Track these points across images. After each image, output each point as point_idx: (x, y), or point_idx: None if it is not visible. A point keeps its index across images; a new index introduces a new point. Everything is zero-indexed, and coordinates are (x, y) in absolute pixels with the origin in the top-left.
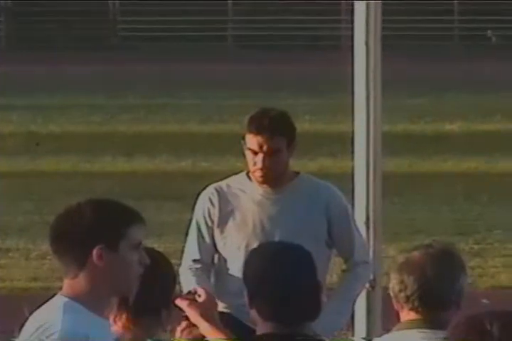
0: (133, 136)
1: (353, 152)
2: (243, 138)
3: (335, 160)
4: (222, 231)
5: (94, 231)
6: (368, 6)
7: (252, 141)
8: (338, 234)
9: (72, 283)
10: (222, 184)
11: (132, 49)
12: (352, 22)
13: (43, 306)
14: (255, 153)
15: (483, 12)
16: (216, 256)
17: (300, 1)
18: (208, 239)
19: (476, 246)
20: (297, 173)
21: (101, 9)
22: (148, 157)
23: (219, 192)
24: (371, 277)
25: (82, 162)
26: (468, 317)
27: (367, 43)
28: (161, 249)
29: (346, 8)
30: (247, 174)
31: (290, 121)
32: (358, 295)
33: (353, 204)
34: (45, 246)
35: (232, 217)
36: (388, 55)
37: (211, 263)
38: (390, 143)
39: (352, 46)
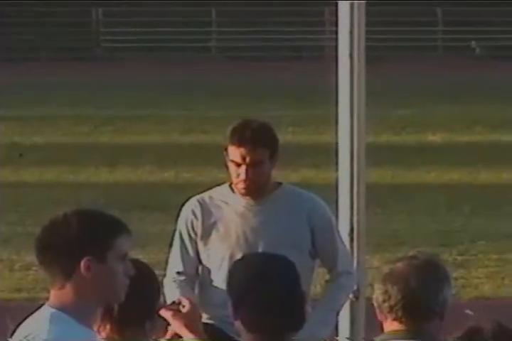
0: (116, 147)
1: (337, 163)
2: (225, 149)
3: (318, 171)
4: (205, 243)
5: (81, 243)
6: (351, 16)
7: (234, 152)
8: (321, 245)
9: (59, 293)
10: (205, 196)
11: (115, 60)
12: (336, 33)
13: (31, 316)
14: (238, 165)
15: (467, 23)
16: (200, 268)
17: (285, 11)
18: (191, 251)
19: (459, 257)
20: (280, 184)
21: (84, 20)
22: (132, 167)
23: (201, 204)
24: (355, 287)
25: (66, 173)
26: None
27: (351, 55)
28: (145, 260)
29: (330, 18)
30: (230, 186)
31: (272, 132)
32: (342, 305)
33: (337, 216)
34: (30, 257)
35: (215, 229)
36: (372, 66)
37: (195, 275)
38: (374, 154)
39: (336, 57)
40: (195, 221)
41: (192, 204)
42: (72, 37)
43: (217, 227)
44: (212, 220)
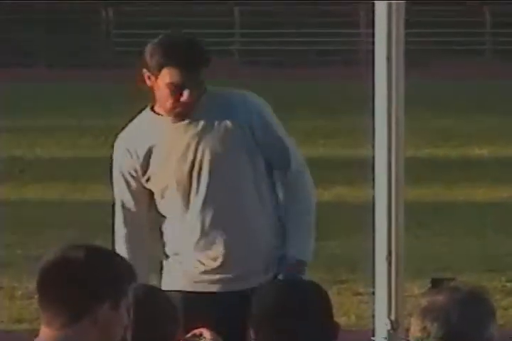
0: None
1: (373, 179)
2: (147, 68)
3: (352, 188)
4: (149, 177)
5: (100, 287)
6: (389, 17)
7: (172, 75)
8: (265, 142)
9: (57, 334)
10: (129, 131)
11: (127, 65)
12: (372, 35)
13: None
14: (175, 88)
15: None
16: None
17: (314, 12)
18: (135, 192)
19: (508, 284)
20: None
21: (93, 20)
22: None
23: (129, 139)
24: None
25: (71, 190)
26: None
27: (389, 59)
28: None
29: (364, 21)
30: (152, 109)
31: (205, 48)
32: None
33: (373, 237)
34: (31, 285)
35: (152, 159)
36: (411, 71)
37: (145, 217)
38: (414, 170)
39: (372, 61)
40: (127, 161)
41: (117, 145)
42: (79, 39)
43: (151, 157)
44: (143, 153)
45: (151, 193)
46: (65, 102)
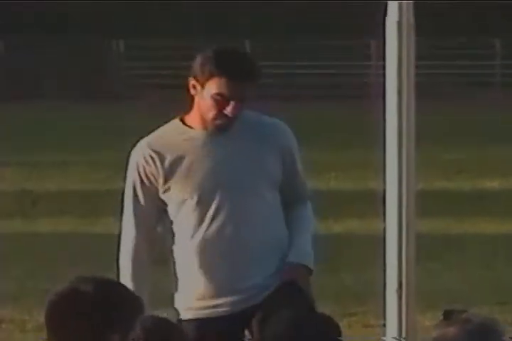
0: None
1: (384, 212)
2: (197, 80)
3: (363, 221)
4: (166, 189)
5: (107, 321)
6: (399, 49)
7: (223, 85)
8: (286, 173)
9: None
10: (154, 137)
11: (138, 98)
12: (383, 68)
13: None
14: (223, 100)
15: None
16: (164, 223)
17: (324, 43)
18: (148, 202)
19: None
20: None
21: (102, 53)
22: None
23: (152, 146)
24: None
25: (82, 224)
26: None
27: (399, 91)
28: (169, 318)
29: (371, 52)
30: (181, 120)
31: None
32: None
33: (384, 270)
34: (42, 317)
35: (175, 170)
36: (421, 103)
37: (153, 229)
38: (425, 202)
39: (383, 94)
40: (147, 167)
41: (140, 149)
42: (90, 72)
43: (177, 168)
44: (169, 161)
45: (161, 207)
46: (75, 136)
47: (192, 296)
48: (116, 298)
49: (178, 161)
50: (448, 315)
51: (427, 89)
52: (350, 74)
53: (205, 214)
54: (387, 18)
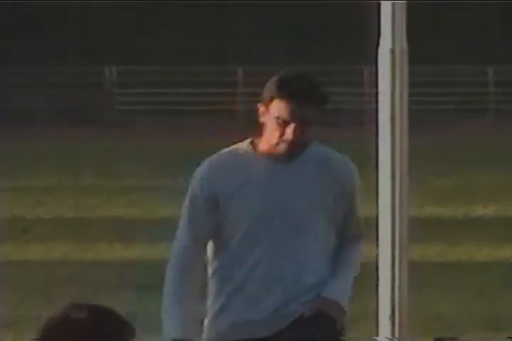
0: (131, 221)
1: (377, 238)
2: (265, 104)
3: None
4: (224, 212)
5: None
6: (393, 76)
7: (283, 108)
8: (340, 210)
9: None
10: (221, 158)
11: (129, 124)
12: (376, 95)
13: None
14: (284, 123)
15: None
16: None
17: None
18: (203, 221)
19: None
20: (310, 140)
21: (96, 81)
22: (149, 243)
23: (217, 168)
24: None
25: (74, 250)
26: None
27: (392, 119)
28: None
29: (364, 79)
30: (252, 143)
31: (322, 88)
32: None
33: (376, 296)
34: None
35: (235, 195)
36: (414, 130)
37: (203, 250)
38: (418, 229)
39: (376, 121)
40: (211, 187)
41: (205, 168)
42: (81, 98)
43: (237, 193)
44: (231, 186)
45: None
46: (66, 161)
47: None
48: (109, 325)
49: (236, 189)
50: None
51: (419, 116)
52: (343, 100)
53: (250, 248)
54: (380, 45)
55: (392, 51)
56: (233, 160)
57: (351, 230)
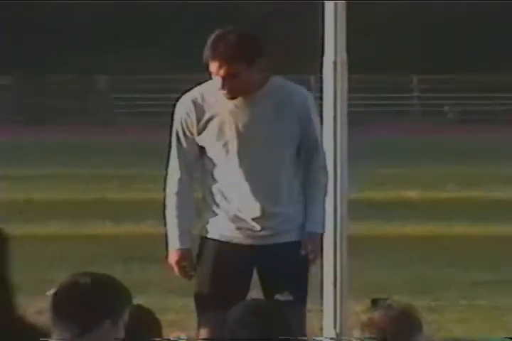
0: (121, 202)
1: None
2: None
3: None
4: (201, 141)
5: (105, 307)
6: (335, 83)
7: (211, 65)
8: (304, 137)
9: None
10: (197, 94)
11: (118, 123)
12: (321, 98)
13: None
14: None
15: (440, 89)
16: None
17: None
18: (189, 148)
19: (433, 303)
20: (267, 77)
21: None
22: (134, 222)
23: (194, 103)
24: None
25: (67, 227)
26: None
27: (335, 118)
28: (146, 306)
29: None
30: None
31: (248, 44)
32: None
33: (321, 265)
34: (39, 304)
35: (208, 127)
36: (354, 129)
37: (193, 170)
38: (356, 209)
39: (321, 122)
40: (188, 120)
41: (185, 103)
42: (74, 103)
43: (210, 125)
44: (205, 118)
45: (198, 151)
46: (61, 154)
47: (225, 218)
48: (110, 290)
49: (209, 121)
50: (374, 303)
51: (358, 117)
52: None
53: (229, 156)
54: (324, 57)
55: (335, 63)
56: (207, 97)
57: (308, 144)
